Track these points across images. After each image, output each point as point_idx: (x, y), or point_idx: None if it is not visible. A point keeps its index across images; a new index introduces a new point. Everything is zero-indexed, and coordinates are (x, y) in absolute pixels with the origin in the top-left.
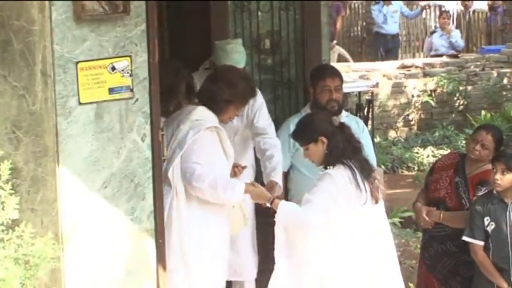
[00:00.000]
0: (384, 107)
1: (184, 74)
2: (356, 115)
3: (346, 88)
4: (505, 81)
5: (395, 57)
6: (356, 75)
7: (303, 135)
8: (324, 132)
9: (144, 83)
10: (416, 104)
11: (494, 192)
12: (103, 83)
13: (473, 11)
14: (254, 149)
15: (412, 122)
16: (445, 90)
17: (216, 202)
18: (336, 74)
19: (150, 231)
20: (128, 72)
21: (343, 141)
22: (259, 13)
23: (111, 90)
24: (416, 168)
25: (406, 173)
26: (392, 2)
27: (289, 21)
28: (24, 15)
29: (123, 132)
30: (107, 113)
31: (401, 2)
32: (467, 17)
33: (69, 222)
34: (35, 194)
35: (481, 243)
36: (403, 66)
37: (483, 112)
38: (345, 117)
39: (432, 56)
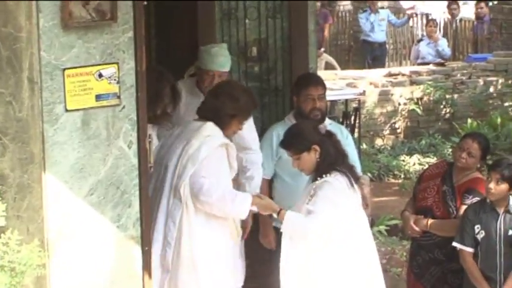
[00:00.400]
0: (370, 115)
1: (167, 78)
2: (343, 123)
3: (333, 96)
4: (491, 89)
5: (382, 65)
6: (343, 83)
7: (296, 144)
8: (315, 140)
9: (131, 90)
10: (403, 112)
11: (488, 201)
12: (90, 89)
13: (460, 20)
14: None
15: (398, 130)
16: (431, 98)
17: (223, 216)
18: (319, 82)
19: (136, 239)
20: (115, 79)
21: (333, 148)
22: (247, 21)
23: (98, 97)
24: (402, 176)
25: (392, 180)
26: (380, 10)
27: (276, 29)
28: (11, 22)
29: (109, 139)
30: (94, 120)
31: (388, 11)
32: (454, 25)
33: (55, 229)
34: (21, 201)
35: (471, 250)
36: (390, 74)
37: (469, 120)
38: (329, 125)
39: (419, 64)
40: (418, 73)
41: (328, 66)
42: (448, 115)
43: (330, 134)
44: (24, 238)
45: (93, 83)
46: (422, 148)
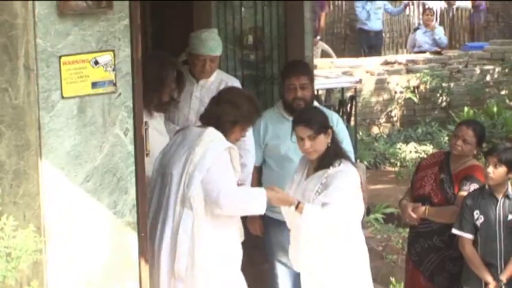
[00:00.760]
0: (366, 103)
1: (170, 63)
2: (339, 111)
3: (329, 84)
4: (488, 78)
5: (379, 54)
6: (339, 71)
7: (320, 122)
8: (330, 124)
9: (127, 77)
10: (399, 101)
11: (486, 187)
12: (86, 77)
13: (457, 8)
14: None
15: (395, 118)
16: (428, 86)
17: (242, 214)
18: (302, 71)
19: (132, 225)
20: (111, 67)
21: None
22: (243, 9)
23: (94, 85)
24: (398, 164)
25: (388, 168)
26: None
27: (272, 17)
28: (7, 9)
29: (105, 127)
30: (90, 107)
31: None
32: (450, 14)
33: (51, 216)
34: (17, 188)
35: (470, 236)
36: (386, 63)
37: (466, 109)
38: None
39: (415, 53)
40: (415, 61)
41: (324, 55)
42: (444, 103)
43: None
44: (20, 224)
45: (89, 70)
46: (418, 136)
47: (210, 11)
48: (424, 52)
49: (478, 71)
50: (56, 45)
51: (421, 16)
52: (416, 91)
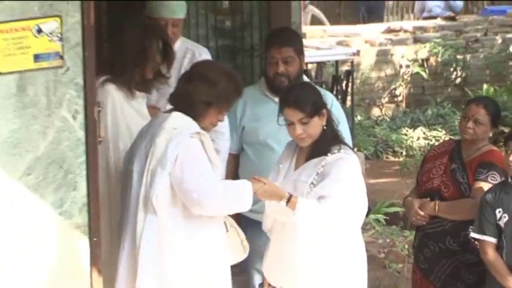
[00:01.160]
0: (366, 80)
1: (155, 31)
2: (332, 89)
3: (321, 56)
4: None
5: (380, 20)
6: (333, 41)
7: (312, 103)
8: (325, 103)
9: (76, 48)
10: (405, 76)
11: (510, 180)
12: (27, 48)
13: None
14: None
15: (399, 98)
16: (439, 59)
17: (227, 213)
18: (285, 42)
19: (82, 228)
20: (57, 36)
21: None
22: None
23: (37, 58)
24: (404, 153)
25: (392, 158)
26: None
27: None
28: None
29: (50, 108)
30: (32, 85)
31: None
32: None
33: None
34: None
35: (493, 240)
36: (390, 31)
37: (485, 86)
38: None
39: (425, 19)
40: (424, 29)
41: (315, 21)
42: (459, 79)
43: None
44: None
45: (31, 40)
46: (428, 119)
47: None
48: (435, 18)
49: (499, 41)
50: None
51: None
52: (425, 65)
